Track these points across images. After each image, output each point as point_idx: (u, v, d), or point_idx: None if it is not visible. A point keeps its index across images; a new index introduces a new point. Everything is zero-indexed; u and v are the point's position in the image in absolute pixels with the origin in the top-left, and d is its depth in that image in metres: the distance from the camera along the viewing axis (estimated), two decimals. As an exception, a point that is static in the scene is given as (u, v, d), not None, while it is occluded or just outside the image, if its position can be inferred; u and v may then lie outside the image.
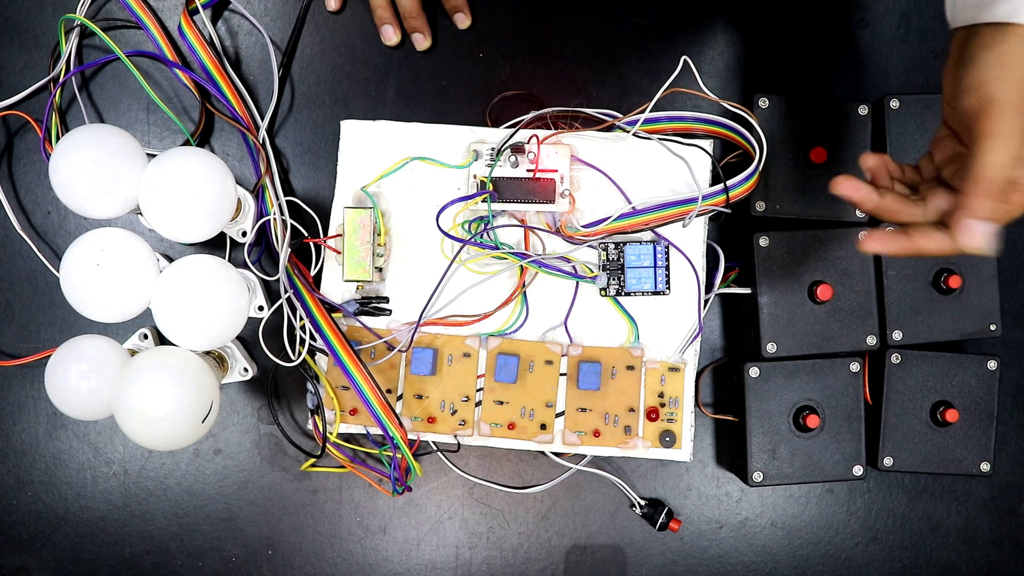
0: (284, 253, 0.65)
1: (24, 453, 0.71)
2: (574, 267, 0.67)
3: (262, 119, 0.70)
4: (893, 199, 0.52)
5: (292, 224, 0.67)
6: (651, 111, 0.66)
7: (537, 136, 0.66)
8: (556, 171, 0.66)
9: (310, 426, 0.67)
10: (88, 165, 0.58)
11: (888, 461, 0.66)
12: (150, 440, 0.58)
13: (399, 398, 0.67)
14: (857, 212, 0.66)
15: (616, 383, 0.66)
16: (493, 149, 0.66)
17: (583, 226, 0.66)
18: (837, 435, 0.65)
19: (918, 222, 0.51)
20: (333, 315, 0.66)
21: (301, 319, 0.65)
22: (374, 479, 0.69)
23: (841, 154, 0.66)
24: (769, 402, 0.65)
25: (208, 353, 0.66)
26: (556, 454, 0.68)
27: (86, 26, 0.70)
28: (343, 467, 0.69)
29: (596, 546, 0.70)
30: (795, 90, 0.71)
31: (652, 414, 0.66)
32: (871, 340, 0.65)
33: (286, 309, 0.66)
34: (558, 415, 0.67)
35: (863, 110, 0.66)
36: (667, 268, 0.67)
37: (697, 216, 0.65)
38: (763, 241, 0.65)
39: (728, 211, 0.67)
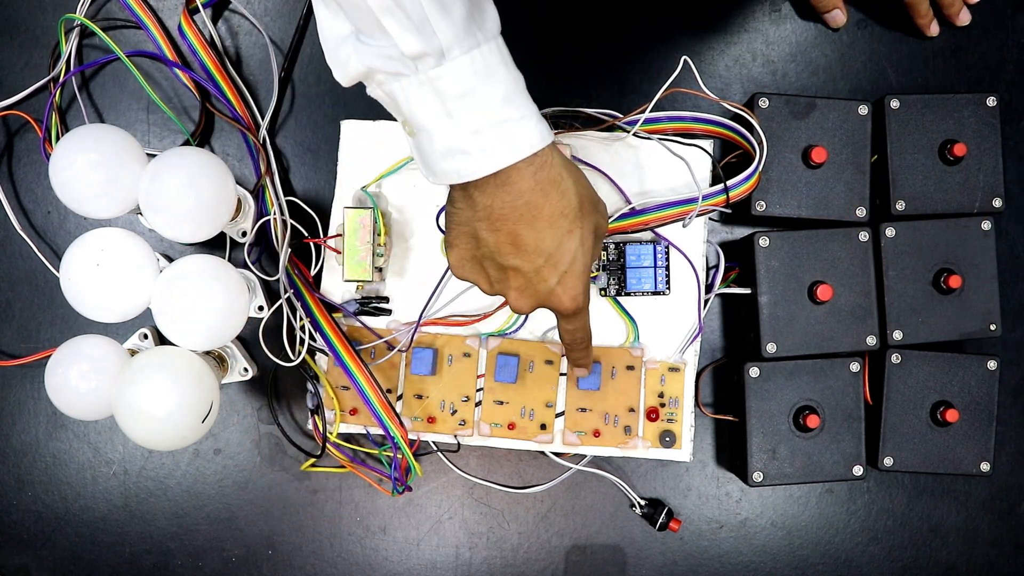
0: (284, 253, 0.65)
1: (24, 453, 0.71)
2: (574, 267, 0.67)
3: (262, 119, 0.70)
4: None
5: (292, 224, 0.67)
6: (651, 111, 0.66)
7: (537, 136, 0.66)
8: (556, 171, 0.66)
9: (310, 426, 0.67)
10: (88, 165, 0.58)
11: (888, 461, 0.66)
12: (150, 440, 0.58)
13: (399, 398, 0.67)
14: (857, 212, 0.66)
15: (616, 383, 0.66)
16: (493, 149, 0.66)
17: (583, 226, 0.66)
18: (837, 435, 0.65)
19: None
20: (333, 315, 0.66)
21: (301, 319, 0.65)
22: (374, 479, 0.69)
23: (841, 154, 0.66)
24: (769, 402, 0.65)
25: (208, 353, 0.66)
26: (556, 454, 0.68)
27: (86, 26, 0.70)
28: (343, 467, 0.69)
29: (596, 546, 0.70)
30: (795, 90, 0.71)
31: (652, 414, 0.67)
32: (871, 340, 0.65)
33: (286, 309, 0.66)
34: (558, 415, 0.67)
35: (863, 110, 0.66)
36: (667, 268, 0.67)
37: (697, 216, 0.65)
38: (763, 241, 0.65)
39: (728, 211, 0.67)
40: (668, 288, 0.67)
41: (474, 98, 0.45)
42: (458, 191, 0.50)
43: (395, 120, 0.67)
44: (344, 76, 0.48)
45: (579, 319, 0.55)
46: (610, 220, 0.65)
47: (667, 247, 0.67)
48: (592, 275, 0.66)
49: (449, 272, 0.66)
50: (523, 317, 0.67)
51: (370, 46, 0.45)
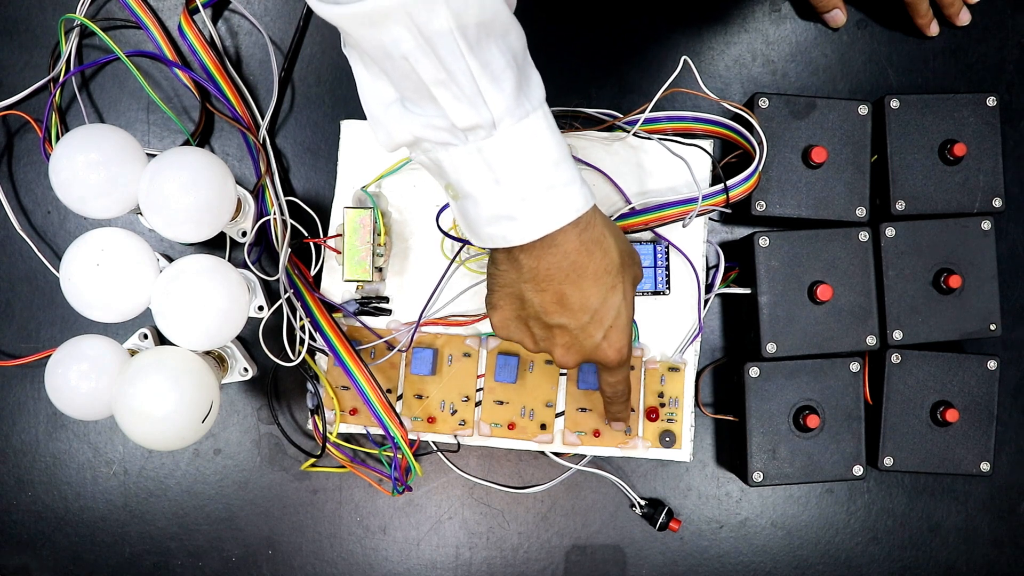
0: (284, 253, 0.65)
1: (24, 453, 0.71)
2: (574, 267, 0.67)
3: (262, 119, 0.70)
4: None
5: (292, 224, 0.67)
6: (651, 111, 0.66)
7: (537, 136, 0.66)
8: (556, 171, 0.66)
9: (310, 426, 0.67)
10: (88, 165, 0.58)
11: (888, 461, 0.66)
12: (150, 440, 0.58)
13: (399, 398, 0.67)
14: (857, 212, 0.66)
15: (616, 383, 0.66)
16: (493, 149, 0.66)
17: (583, 226, 0.66)
18: (837, 435, 0.65)
19: None
20: (333, 315, 0.66)
21: (301, 319, 0.65)
22: (374, 479, 0.69)
23: (841, 154, 0.66)
24: (769, 402, 0.65)
25: (208, 353, 0.66)
26: (556, 454, 0.68)
27: (86, 26, 0.70)
28: (343, 467, 0.69)
29: (596, 546, 0.70)
30: (795, 90, 0.71)
31: (652, 414, 0.66)
32: (871, 340, 0.65)
33: (286, 309, 0.66)
34: (558, 415, 0.67)
35: (863, 110, 0.66)
36: (667, 268, 0.67)
37: (697, 216, 0.65)
38: (763, 241, 0.65)
39: (728, 211, 0.67)
40: (668, 288, 0.67)
41: (523, 166, 0.46)
42: (502, 253, 0.50)
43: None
44: (388, 142, 0.48)
45: (621, 371, 0.56)
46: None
47: (667, 247, 0.67)
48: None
49: (449, 272, 0.66)
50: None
51: (418, 116, 0.45)
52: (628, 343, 0.53)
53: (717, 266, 0.68)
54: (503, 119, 0.44)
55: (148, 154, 0.62)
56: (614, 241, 0.51)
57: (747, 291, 0.67)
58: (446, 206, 0.65)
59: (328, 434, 0.66)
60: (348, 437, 0.69)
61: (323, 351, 0.66)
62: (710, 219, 0.70)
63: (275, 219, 0.67)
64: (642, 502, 0.69)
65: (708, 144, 0.67)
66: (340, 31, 0.47)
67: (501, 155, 0.45)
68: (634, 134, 0.67)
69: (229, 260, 0.67)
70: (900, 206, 0.66)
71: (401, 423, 0.63)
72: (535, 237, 0.47)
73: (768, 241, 0.65)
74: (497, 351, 0.67)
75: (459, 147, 0.45)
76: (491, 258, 0.52)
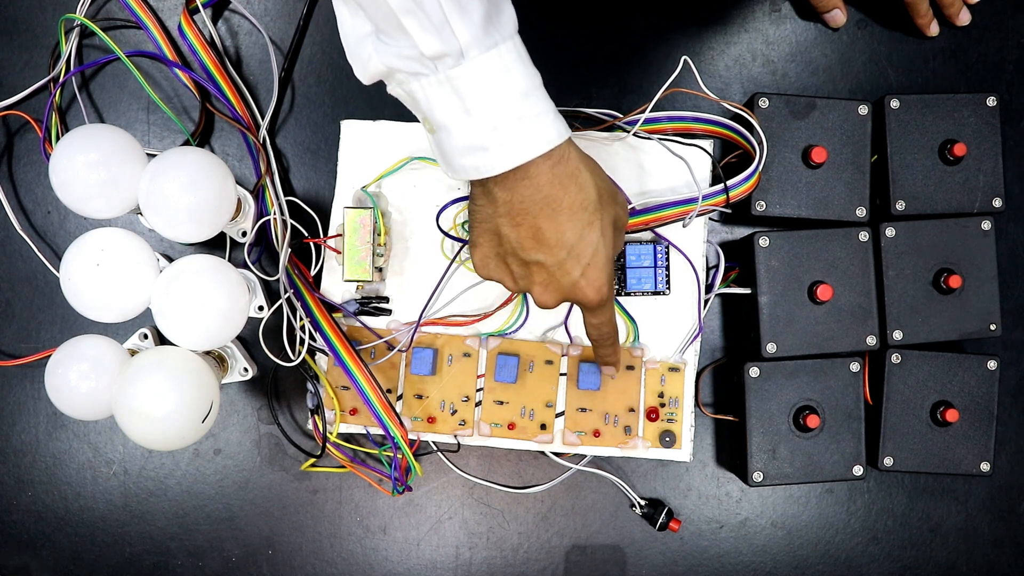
0: (284, 253, 0.65)
1: (24, 453, 0.71)
2: (574, 267, 0.67)
3: (262, 119, 0.70)
4: None
5: (292, 224, 0.67)
6: (651, 111, 0.66)
7: (537, 136, 0.66)
8: (556, 171, 0.66)
9: (310, 426, 0.67)
10: (88, 165, 0.58)
11: (888, 461, 0.66)
12: (150, 440, 0.58)
13: (399, 398, 0.67)
14: (857, 212, 0.66)
15: (616, 383, 0.66)
16: (493, 149, 0.66)
17: (583, 226, 0.65)
18: (837, 435, 0.65)
19: None
20: (333, 315, 0.66)
21: (301, 319, 0.65)
22: (374, 479, 0.69)
23: (841, 154, 0.66)
24: (769, 402, 0.65)
25: (208, 353, 0.66)
26: (556, 454, 0.68)
27: (86, 26, 0.70)
28: (343, 467, 0.69)
29: (596, 546, 0.70)
30: (795, 90, 0.71)
31: (652, 414, 0.67)
32: (871, 340, 0.65)
33: (286, 309, 0.66)
34: (558, 415, 0.67)
35: (863, 110, 0.66)
36: (667, 268, 0.67)
37: (697, 216, 0.65)
38: (763, 241, 0.65)
39: (728, 211, 0.67)
40: (668, 288, 0.67)
41: (492, 96, 0.46)
42: (478, 188, 0.51)
43: (396, 120, 0.68)
44: (364, 74, 0.49)
45: (604, 312, 0.56)
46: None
47: (667, 247, 0.67)
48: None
49: (449, 272, 0.66)
50: (523, 316, 0.67)
51: (390, 46, 0.46)
52: (608, 281, 0.53)
53: (717, 266, 0.68)
54: (470, 48, 0.45)
55: (148, 154, 0.62)
56: (591, 177, 0.51)
57: (747, 291, 0.67)
58: (446, 206, 0.65)
59: (328, 434, 0.66)
60: (348, 437, 0.69)
61: (323, 351, 0.66)
62: (710, 219, 0.70)
63: (275, 219, 0.67)
64: (642, 502, 0.69)
65: (708, 144, 0.67)
66: None
67: (469, 84, 0.46)
68: (634, 134, 0.67)
69: (229, 260, 0.67)
70: (900, 206, 0.66)
71: (401, 423, 0.63)
72: (506, 168, 0.47)
73: (768, 241, 0.65)
74: (497, 351, 0.67)
75: (429, 76, 0.46)
76: (470, 195, 0.53)
